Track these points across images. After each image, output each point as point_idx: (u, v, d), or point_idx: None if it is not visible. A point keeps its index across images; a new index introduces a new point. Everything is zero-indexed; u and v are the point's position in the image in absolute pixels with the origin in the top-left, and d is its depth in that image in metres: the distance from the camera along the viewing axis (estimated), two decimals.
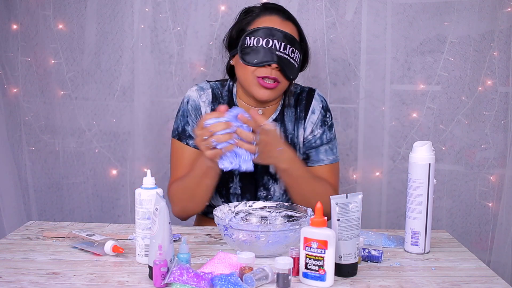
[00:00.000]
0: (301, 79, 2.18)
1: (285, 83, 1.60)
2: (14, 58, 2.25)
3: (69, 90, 2.26)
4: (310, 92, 1.71)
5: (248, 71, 1.58)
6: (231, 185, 1.65)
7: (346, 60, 2.21)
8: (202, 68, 2.23)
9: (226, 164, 1.42)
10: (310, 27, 2.18)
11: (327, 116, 1.70)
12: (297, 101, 1.70)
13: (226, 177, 1.62)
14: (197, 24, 2.21)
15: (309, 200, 1.51)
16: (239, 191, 1.65)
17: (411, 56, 2.20)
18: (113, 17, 2.22)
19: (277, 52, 1.55)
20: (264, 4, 1.68)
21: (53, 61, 2.25)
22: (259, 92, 1.58)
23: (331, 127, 1.70)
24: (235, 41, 1.63)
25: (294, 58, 1.59)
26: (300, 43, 1.62)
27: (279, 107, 1.69)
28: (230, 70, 1.70)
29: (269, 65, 1.55)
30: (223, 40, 1.69)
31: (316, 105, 1.69)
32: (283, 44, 1.56)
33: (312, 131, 1.68)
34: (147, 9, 2.21)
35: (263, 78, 1.56)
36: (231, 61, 1.66)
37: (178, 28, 2.22)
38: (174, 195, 1.60)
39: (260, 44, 1.56)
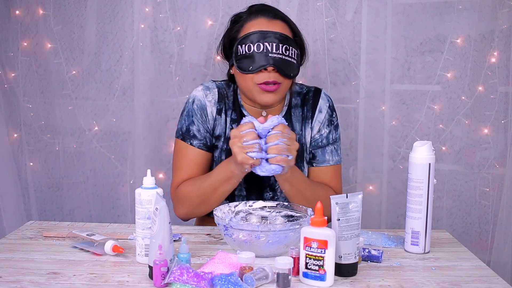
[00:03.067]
0: (301, 79, 2.18)
1: (287, 83, 1.59)
2: (14, 58, 2.25)
3: (69, 90, 2.26)
4: (317, 91, 1.70)
5: (247, 79, 1.56)
6: (237, 186, 1.63)
7: (346, 60, 2.21)
8: (202, 68, 2.23)
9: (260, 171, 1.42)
10: (310, 27, 2.18)
11: (334, 116, 1.69)
12: (304, 100, 1.68)
13: None
14: (197, 24, 2.21)
15: (313, 205, 1.50)
16: (244, 192, 1.64)
17: (411, 56, 2.20)
18: (113, 17, 2.22)
19: (270, 54, 1.53)
20: (250, 7, 1.66)
21: (53, 61, 2.25)
22: (263, 97, 1.56)
23: (337, 127, 1.69)
24: (229, 50, 1.62)
25: (290, 55, 1.56)
26: (294, 38, 1.60)
27: (285, 108, 1.67)
28: (232, 77, 1.68)
29: (265, 69, 1.54)
30: (217, 50, 1.69)
31: (323, 104, 1.68)
32: (274, 44, 1.54)
33: (319, 130, 1.67)
34: (147, 9, 2.21)
35: (263, 83, 1.54)
36: (231, 71, 1.65)
37: (178, 28, 2.22)
38: (185, 198, 1.58)
39: (252, 50, 1.54)
